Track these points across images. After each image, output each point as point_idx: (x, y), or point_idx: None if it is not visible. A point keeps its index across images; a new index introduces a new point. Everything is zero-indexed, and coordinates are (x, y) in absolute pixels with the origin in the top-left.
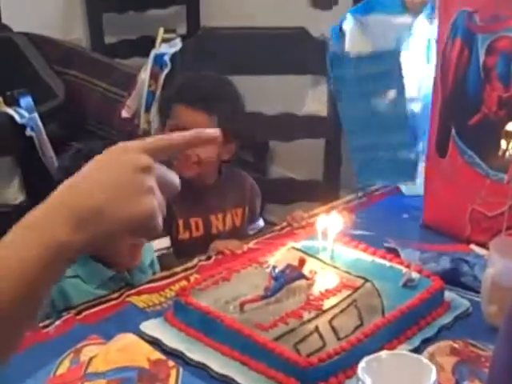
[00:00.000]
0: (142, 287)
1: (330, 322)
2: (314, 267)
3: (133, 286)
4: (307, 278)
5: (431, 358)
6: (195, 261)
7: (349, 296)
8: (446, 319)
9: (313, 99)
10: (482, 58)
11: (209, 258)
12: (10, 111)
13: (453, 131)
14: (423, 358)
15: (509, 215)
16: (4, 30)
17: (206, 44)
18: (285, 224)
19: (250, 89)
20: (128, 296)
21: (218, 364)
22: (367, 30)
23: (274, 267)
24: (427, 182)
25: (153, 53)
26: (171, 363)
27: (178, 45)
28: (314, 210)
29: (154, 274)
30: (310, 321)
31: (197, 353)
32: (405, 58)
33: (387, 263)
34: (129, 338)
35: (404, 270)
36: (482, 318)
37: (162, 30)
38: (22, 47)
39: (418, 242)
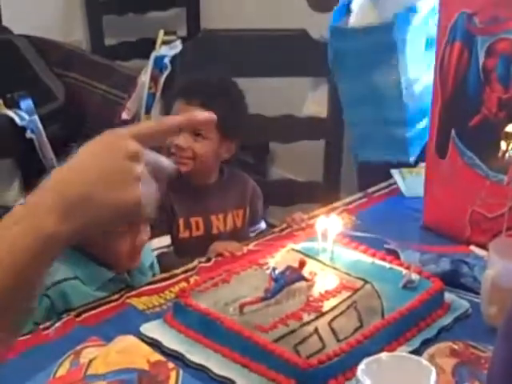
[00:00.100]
0: (141, 289)
1: (330, 323)
2: (314, 269)
3: (133, 288)
4: (307, 280)
5: (431, 359)
6: (195, 262)
7: (348, 297)
8: (446, 320)
9: (313, 101)
10: (481, 60)
11: (208, 259)
12: (11, 113)
13: (453, 133)
14: (423, 360)
15: (509, 216)
16: (4, 32)
17: (206, 46)
18: (284, 226)
19: (250, 90)
20: (128, 298)
21: (217, 366)
22: (378, 4)
23: (274, 269)
24: (427, 183)
25: (153, 55)
26: (171, 365)
27: (178, 47)
28: (314, 211)
29: (153, 275)
30: (309, 322)
31: (197, 354)
32: (406, 33)
33: (387, 265)
34: (129, 339)
35: (404, 271)
36: (482, 319)
37: (162, 32)
38: (22, 49)
39: (418, 244)
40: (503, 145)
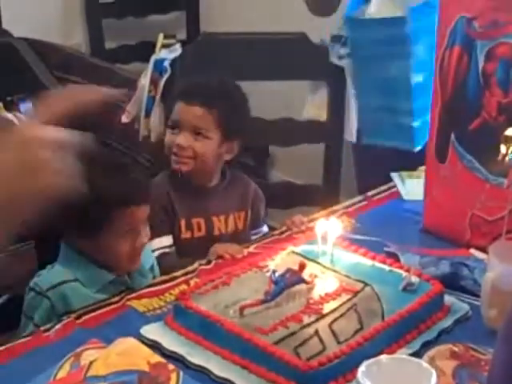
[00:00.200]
0: (142, 291)
1: (330, 325)
2: (314, 271)
3: (133, 290)
4: (307, 282)
5: (431, 361)
6: (195, 265)
7: (349, 300)
8: (446, 323)
9: (312, 104)
10: (481, 64)
11: (209, 262)
12: (11, 116)
13: (452, 136)
14: (423, 362)
15: (509, 219)
16: (4, 35)
17: (206, 49)
18: (284, 228)
19: (250, 94)
20: (128, 300)
21: (218, 367)
22: None
23: (274, 271)
24: (427, 186)
25: (153, 58)
26: (171, 366)
27: (177, 50)
28: (314, 214)
29: (154, 277)
30: (309, 325)
31: (197, 356)
32: (420, 27)
33: (387, 267)
34: (129, 341)
35: (404, 274)
36: (482, 321)
37: (161, 35)
38: (22, 52)
39: (418, 247)
40: (503, 148)
